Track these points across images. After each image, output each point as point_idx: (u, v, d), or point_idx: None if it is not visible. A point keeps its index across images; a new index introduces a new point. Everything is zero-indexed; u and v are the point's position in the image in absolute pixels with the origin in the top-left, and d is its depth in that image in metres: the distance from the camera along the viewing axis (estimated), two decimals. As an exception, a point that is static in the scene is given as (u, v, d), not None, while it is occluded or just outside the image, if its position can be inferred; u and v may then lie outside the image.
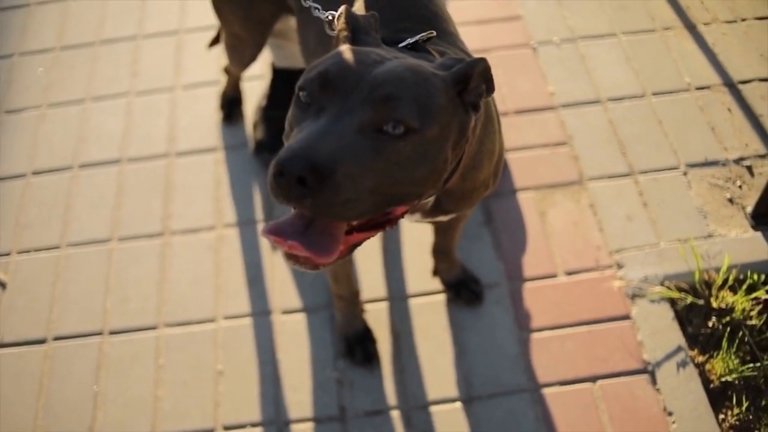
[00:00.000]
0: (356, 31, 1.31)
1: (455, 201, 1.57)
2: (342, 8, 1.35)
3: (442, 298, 2.31)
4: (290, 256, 1.14)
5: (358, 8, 1.60)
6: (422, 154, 1.15)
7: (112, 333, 2.29)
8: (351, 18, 1.32)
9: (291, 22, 2.20)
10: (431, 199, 1.52)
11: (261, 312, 2.31)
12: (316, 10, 1.49)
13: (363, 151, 1.09)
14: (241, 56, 2.33)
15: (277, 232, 1.11)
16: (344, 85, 1.14)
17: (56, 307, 2.35)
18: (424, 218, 1.61)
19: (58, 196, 2.60)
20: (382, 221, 1.22)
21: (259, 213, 2.52)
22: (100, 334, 2.29)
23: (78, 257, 2.45)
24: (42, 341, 2.28)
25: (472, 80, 1.23)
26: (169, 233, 2.49)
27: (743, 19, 3.00)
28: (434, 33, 1.40)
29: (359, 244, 1.22)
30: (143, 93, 2.88)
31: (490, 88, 1.27)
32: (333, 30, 1.45)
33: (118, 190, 2.60)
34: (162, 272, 2.40)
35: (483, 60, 1.23)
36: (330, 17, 1.45)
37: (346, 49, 1.22)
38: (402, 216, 1.25)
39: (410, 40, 1.36)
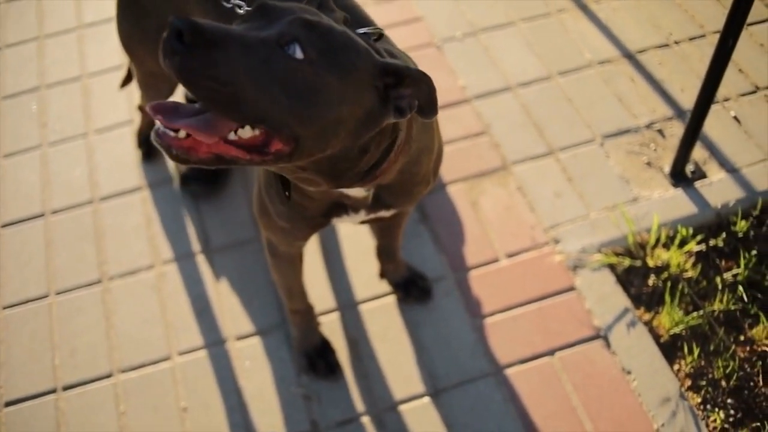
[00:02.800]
0: (320, 6, 1.33)
1: (395, 195, 1.60)
2: None
3: (392, 299, 2.34)
4: (164, 146, 1.13)
5: None
6: (311, 90, 1.14)
7: (66, 388, 2.23)
8: None
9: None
10: (369, 194, 1.55)
11: (215, 342, 2.29)
12: (239, 8, 1.50)
13: (255, 52, 1.11)
14: (158, 93, 2.30)
15: (161, 110, 1.12)
16: (277, 15, 1.18)
17: (2, 371, 2.27)
18: (368, 214, 1.64)
19: (-15, 260, 2.53)
20: (253, 147, 1.17)
21: (195, 245, 2.50)
22: (53, 391, 2.23)
23: (16, 317, 2.38)
24: (-7, 409, 2.21)
25: (405, 84, 1.25)
26: (107, 279, 2.44)
27: (630, -7, 3.15)
28: (382, 31, 1.42)
29: (227, 161, 1.17)
30: (56, 143, 2.82)
31: (428, 110, 1.29)
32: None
33: (47, 244, 2.54)
34: (107, 319, 2.36)
35: (427, 78, 1.26)
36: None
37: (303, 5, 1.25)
38: (275, 156, 1.18)
39: (363, 30, 1.38)
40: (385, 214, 1.68)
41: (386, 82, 1.25)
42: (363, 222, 1.74)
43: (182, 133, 1.13)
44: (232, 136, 1.15)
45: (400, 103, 1.26)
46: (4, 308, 2.40)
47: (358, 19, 1.63)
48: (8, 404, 2.21)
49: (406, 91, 1.26)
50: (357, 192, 1.51)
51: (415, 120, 1.47)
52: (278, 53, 1.13)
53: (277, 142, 1.17)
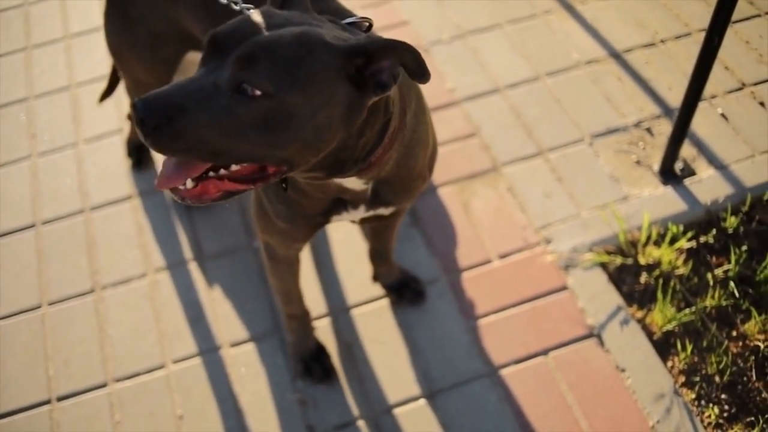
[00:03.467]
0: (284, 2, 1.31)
1: (393, 191, 1.61)
2: None
3: (385, 302, 2.35)
4: (177, 198, 1.24)
5: None
6: (282, 120, 1.15)
7: (61, 399, 2.22)
8: None
9: (191, 57, 2.20)
10: (368, 187, 1.55)
11: (209, 349, 2.29)
12: (235, 5, 1.50)
13: (214, 106, 1.13)
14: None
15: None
16: (228, 45, 1.18)
17: (-4, 383, 2.27)
18: (367, 211, 1.64)
19: (-24, 272, 2.52)
20: (255, 177, 1.25)
21: (187, 252, 2.50)
22: (48, 402, 2.22)
23: (9, 329, 2.37)
24: (-13, 421, 2.20)
25: (376, 58, 1.21)
26: (100, 288, 2.44)
27: (615, -7, 3.17)
28: (371, 20, 1.41)
29: (235, 193, 1.26)
30: (45, 153, 2.81)
31: (419, 72, 1.23)
32: None
33: (39, 255, 2.53)
34: (100, 328, 2.35)
35: (402, 44, 1.20)
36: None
37: (253, 12, 1.24)
38: (275, 176, 1.25)
39: (351, 19, 1.38)
40: (384, 211, 1.68)
41: (356, 63, 1.21)
42: (362, 220, 1.74)
43: (189, 183, 1.21)
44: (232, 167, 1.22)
45: (380, 77, 1.22)
46: (-3, 320, 2.40)
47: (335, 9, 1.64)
48: (2, 416, 2.20)
49: (383, 63, 1.22)
50: (355, 184, 1.50)
51: (409, 107, 1.47)
52: (235, 99, 1.14)
53: (271, 167, 1.23)
